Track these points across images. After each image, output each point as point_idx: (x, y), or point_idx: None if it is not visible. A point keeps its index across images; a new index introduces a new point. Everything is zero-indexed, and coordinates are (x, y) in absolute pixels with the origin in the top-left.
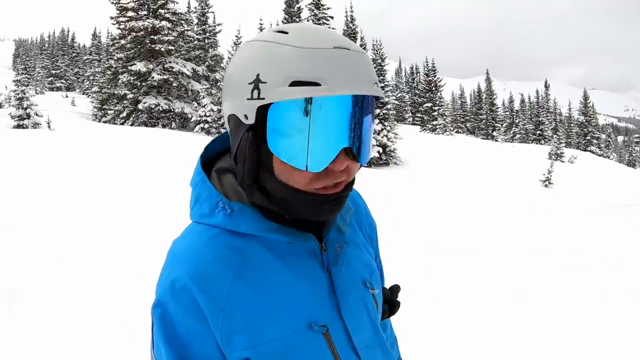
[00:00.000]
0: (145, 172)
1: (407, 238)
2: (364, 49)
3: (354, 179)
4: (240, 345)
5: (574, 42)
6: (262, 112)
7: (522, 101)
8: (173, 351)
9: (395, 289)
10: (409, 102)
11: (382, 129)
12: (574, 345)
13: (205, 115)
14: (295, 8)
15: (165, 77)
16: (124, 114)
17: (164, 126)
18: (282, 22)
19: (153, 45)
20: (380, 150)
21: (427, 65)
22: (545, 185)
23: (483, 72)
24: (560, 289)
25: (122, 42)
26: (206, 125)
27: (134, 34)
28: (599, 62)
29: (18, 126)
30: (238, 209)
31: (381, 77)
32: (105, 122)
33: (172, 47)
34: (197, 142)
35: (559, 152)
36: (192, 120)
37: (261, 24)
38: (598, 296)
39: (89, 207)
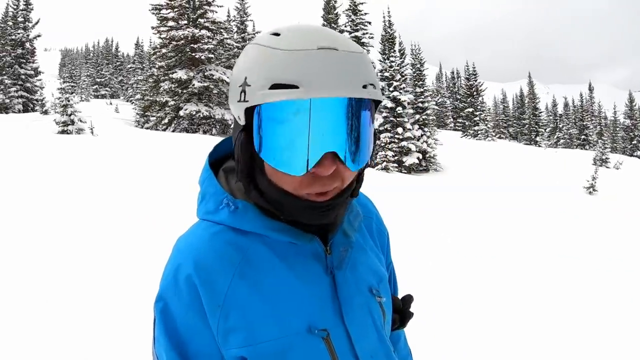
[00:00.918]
0: (183, 176)
1: (442, 244)
2: (402, 54)
3: (357, 185)
4: (235, 343)
5: (618, 42)
6: (250, 114)
7: (566, 105)
8: (173, 346)
9: (408, 299)
10: (450, 108)
11: (421, 135)
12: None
13: None
14: (333, 14)
15: (205, 84)
16: (166, 121)
17: (204, 132)
18: None
19: (193, 54)
20: (420, 157)
21: (467, 69)
22: (590, 192)
23: (525, 75)
24: (601, 297)
25: (163, 50)
26: None
27: (174, 43)
28: None
29: (62, 132)
30: (242, 206)
31: (421, 82)
32: (147, 128)
33: (212, 55)
34: None
35: (603, 157)
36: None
37: None
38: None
39: (126, 208)
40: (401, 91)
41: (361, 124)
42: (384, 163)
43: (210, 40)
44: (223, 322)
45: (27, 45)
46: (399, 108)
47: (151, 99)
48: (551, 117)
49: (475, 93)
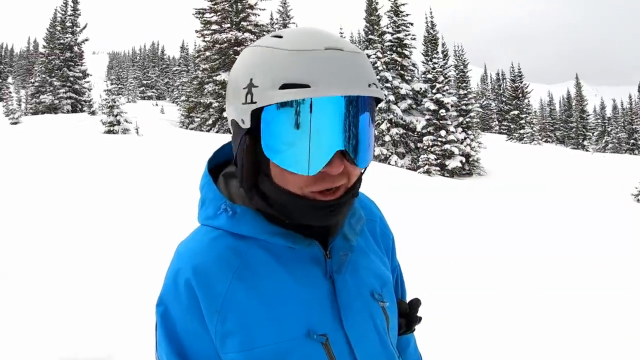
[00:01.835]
0: None
1: (480, 249)
2: (445, 55)
3: (358, 185)
4: (233, 347)
5: None
6: (257, 116)
7: (615, 107)
8: (174, 350)
9: (415, 303)
10: (495, 110)
11: (465, 138)
12: None
13: None
14: (375, 16)
15: None
16: (210, 122)
17: None
18: (363, 30)
19: (236, 56)
20: (463, 160)
21: (513, 70)
22: (638, 200)
23: (572, 77)
24: None
25: (207, 53)
26: None
27: (218, 45)
28: None
29: (109, 132)
30: (241, 211)
31: (464, 84)
32: (192, 129)
33: None
34: None
35: None
36: None
37: (341, 33)
38: None
39: (162, 206)
40: (444, 93)
41: (367, 123)
42: (426, 166)
43: (253, 43)
44: (220, 326)
45: (76, 48)
46: (442, 110)
47: (195, 100)
48: (599, 121)
49: (520, 95)
